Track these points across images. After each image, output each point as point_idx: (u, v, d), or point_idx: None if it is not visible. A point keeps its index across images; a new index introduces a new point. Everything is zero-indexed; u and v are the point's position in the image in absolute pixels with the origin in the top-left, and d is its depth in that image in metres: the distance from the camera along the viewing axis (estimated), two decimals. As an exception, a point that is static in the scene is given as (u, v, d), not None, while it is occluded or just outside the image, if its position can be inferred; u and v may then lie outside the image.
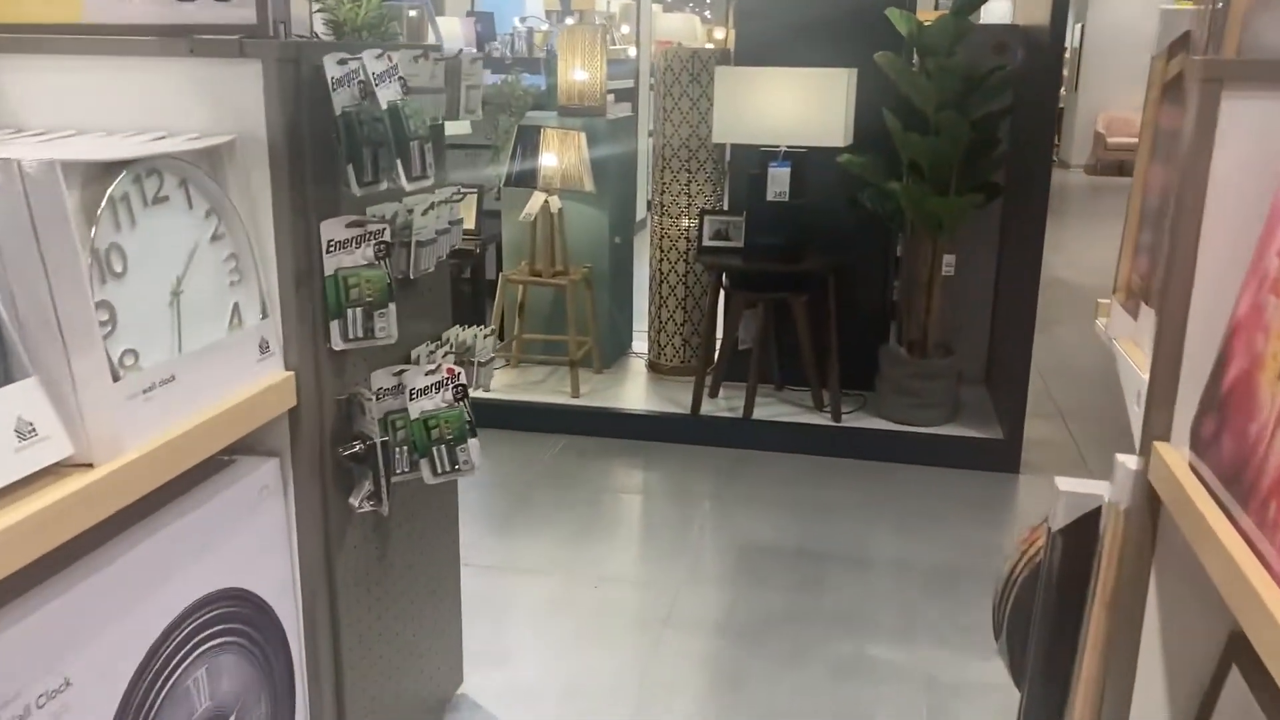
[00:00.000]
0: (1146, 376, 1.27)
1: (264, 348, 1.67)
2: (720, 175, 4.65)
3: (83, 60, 1.62)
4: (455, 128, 3.74)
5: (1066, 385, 5.01)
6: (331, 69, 1.65)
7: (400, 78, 1.73)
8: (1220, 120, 1.12)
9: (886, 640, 2.82)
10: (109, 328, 1.28)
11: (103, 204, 1.28)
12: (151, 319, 1.38)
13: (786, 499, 3.70)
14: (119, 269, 1.30)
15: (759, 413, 4.21)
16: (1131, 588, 1.28)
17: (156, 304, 1.39)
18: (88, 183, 1.27)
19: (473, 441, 1.96)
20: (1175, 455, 1.18)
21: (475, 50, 7.20)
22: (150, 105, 1.62)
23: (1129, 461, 1.30)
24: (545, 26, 8.09)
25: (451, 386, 1.95)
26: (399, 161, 1.69)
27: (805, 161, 4.02)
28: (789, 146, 3.99)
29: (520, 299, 4.71)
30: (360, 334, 1.78)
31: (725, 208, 4.66)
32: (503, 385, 4.55)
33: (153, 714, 1.40)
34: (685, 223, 4.61)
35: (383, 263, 1.78)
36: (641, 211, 7.96)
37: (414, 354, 2.04)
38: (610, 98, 5.16)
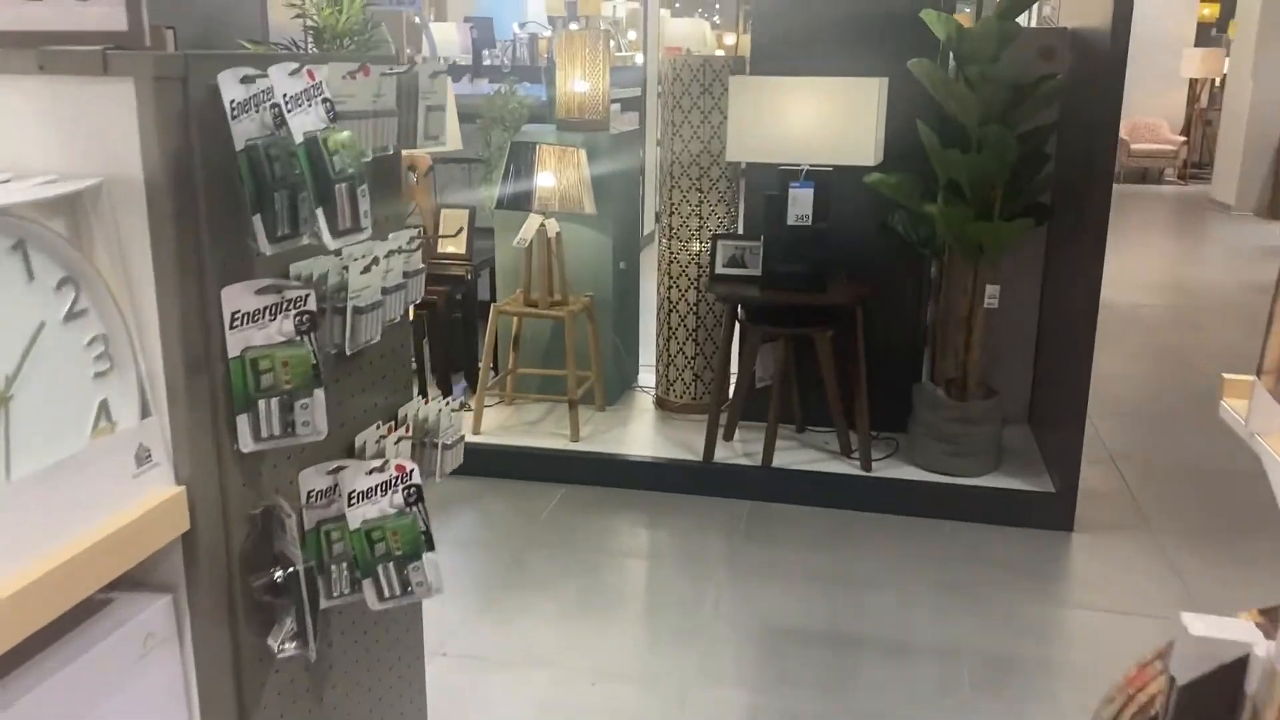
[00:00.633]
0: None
1: (144, 457, 1.27)
2: (734, 196, 4.24)
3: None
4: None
5: (1115, 424, 4.57)
6: (230, 90, 1.24)
7: (325, 100, 1.32)
8: None
9: (935, 752, 2.39)
10: None
11: None
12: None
13: (812, 567, 3.27)
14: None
15: (779, 459, 3.79)
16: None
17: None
18: None
19: (429, 557, 1.55)
20: None
21: (471, 58, 6.80)
22: (-20, 139, 1.22)
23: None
24: (547, 32, 7.67)
25: (402, 488, 1.54)
26: (319, 211, 1.28)
27: (830, 182, 3.61)
28: (812, 165, 3.57)
29: (515, 330, 4.30)
30: (277, 431, 1.37)
31: (740, 231, 4.25)
32: (496, 426, 4.13)
33: None
34: (696, 247, 4.19)
35: (306, 338, 1.37)
36: (649, 225, 7.55)
37: (359, 441, 1.63)
38: (616, 107, 4.76)
